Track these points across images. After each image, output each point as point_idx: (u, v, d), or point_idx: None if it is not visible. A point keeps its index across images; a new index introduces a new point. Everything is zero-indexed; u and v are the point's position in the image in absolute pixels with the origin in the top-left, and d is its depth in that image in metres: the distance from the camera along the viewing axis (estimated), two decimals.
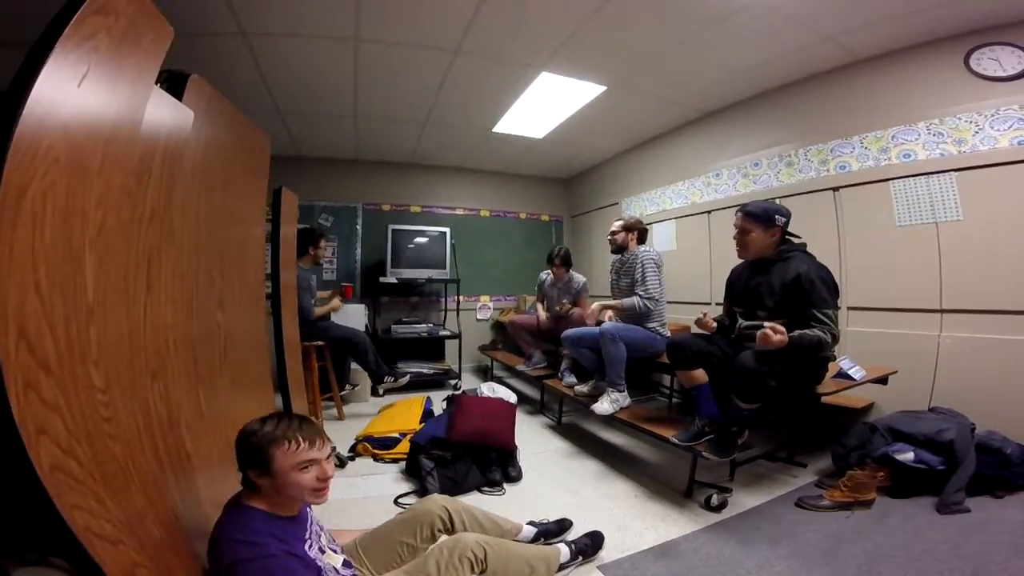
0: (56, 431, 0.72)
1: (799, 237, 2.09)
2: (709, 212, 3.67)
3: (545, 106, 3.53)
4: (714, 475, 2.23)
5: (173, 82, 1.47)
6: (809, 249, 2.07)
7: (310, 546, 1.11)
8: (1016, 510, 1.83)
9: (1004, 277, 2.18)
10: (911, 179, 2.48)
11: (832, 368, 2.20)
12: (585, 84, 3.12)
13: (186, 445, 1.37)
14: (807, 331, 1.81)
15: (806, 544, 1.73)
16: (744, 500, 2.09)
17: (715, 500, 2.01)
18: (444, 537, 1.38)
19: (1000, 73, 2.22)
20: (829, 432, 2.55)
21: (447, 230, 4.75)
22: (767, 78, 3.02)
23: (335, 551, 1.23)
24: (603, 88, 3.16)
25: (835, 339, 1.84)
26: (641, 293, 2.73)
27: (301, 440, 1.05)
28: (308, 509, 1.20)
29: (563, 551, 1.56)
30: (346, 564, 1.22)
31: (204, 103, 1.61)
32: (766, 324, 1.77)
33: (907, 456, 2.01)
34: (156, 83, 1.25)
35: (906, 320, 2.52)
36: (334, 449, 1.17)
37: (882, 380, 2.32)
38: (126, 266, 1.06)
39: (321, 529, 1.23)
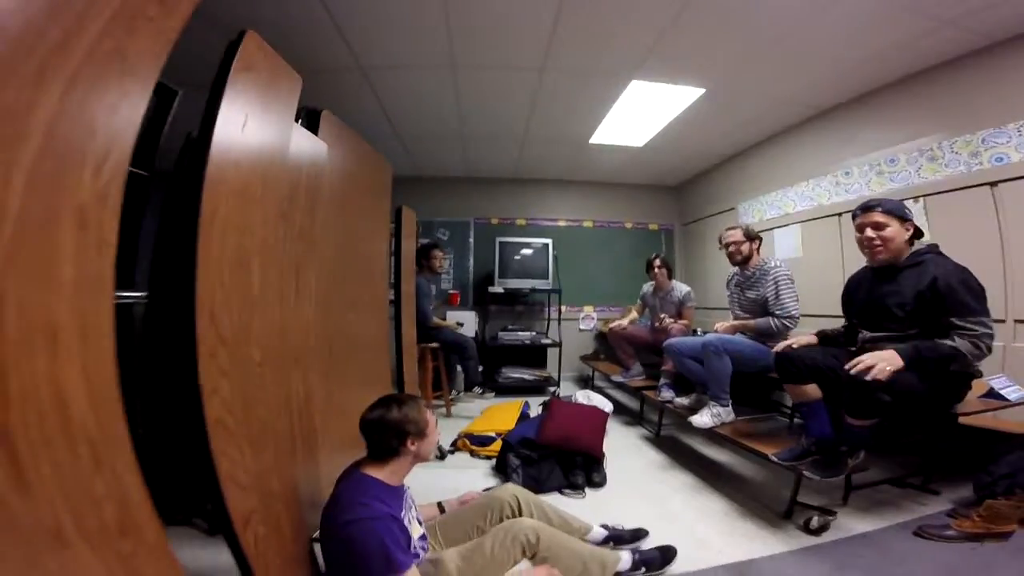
0: (224, 392, 1.00)
1: (925, 236, 1.82)
2: (839, 215, 3.27)
3: (642, 114, 3.49)
4: (827, 499, 2.03)
5: (310, 118, 1.78)
6: (964, 252, 1.78)
7: (404, 515, 1.31)
8: None
9: None
10: None
11: (979, 387, 1.85)
12: (681, 88, 3.06)
13: (315, 424, 1.64)
14: (935, 341, 1.57)
15: (911, 575, 1.52)
16: (853, 525, 1.88)
17: (815, 522, 1.82)
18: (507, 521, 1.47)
19: None
20: (978, 460, 2.13)
21: (549, 241, 4.91)
22: (889, 69, 2.72)
23: (419, 523, 1.42)
24: (702, 91, 3.06)
25: (983, 350, 1.56)
26: (779, 312, 2.51)
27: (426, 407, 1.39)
28: (405, 486, 1.41)
29: (624, 558, 1.52)
30: (422, 537, 1.39)
31: (335, 135, 1.92)
32: (865, 358, 1.56)
33: None
34: (296, 121, 1.57)
35: None
36: None
37: None
38: (280, 272, 1.38)
39: (413, 503, 1.43)
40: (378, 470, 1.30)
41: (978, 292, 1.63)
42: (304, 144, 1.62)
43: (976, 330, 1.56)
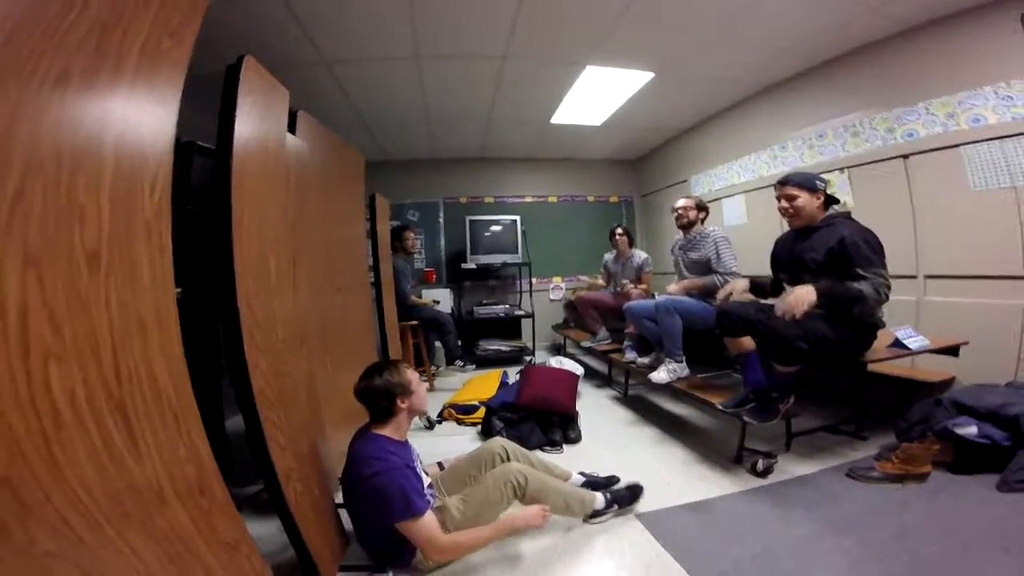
0: (262, 366, 1.17)
1: (841, 203, 2.12)
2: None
3: (597, 96, 3.66)
4: (771, 445, 2.27)
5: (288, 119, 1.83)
6: (882, 217, 2.09)
7: (415, 464, 1.52)
8: None
9: None
10: (984, 144, 2.33)
11: (886, 337, 2.18)
12: (632, 72, 3.24)
13: (318, 397, 1.80)
14: (845, 282, 1.85)
15: (841, 511, 1.74)
16: (794, 468, 2.13)
17: (760, 465, 2.07)
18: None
19: None
20: (903, 407, 2.46)
21: (517, 218, 5.10)
22: (820, 51, 2.98)
23: (426, 473, 1.63)
24: (651, 74, 3.25)
25: (881, 296, 1.84)
26: (722, 270, 2.81)
27: (407, 367, 1.56)
28: (410, 441, 1.61)
29: (599, 498, 1.74)
30: (429, 486, 1.60)
31: (310, 132, 2.04)
32: (787, 298, 1.82)
33: (969, 430, 1.89)
34: None
35: (987, 288, 2.39)
36: None
37: (951, 351, 2.24)
38: (285, 262, 1.53)
39: (418, 455, 1.63)
40: (383, 428, 1.50)
41: (877, 248, 1.93)
42: (289, 146, 1.72)
43: (876, 279, 1.85)
